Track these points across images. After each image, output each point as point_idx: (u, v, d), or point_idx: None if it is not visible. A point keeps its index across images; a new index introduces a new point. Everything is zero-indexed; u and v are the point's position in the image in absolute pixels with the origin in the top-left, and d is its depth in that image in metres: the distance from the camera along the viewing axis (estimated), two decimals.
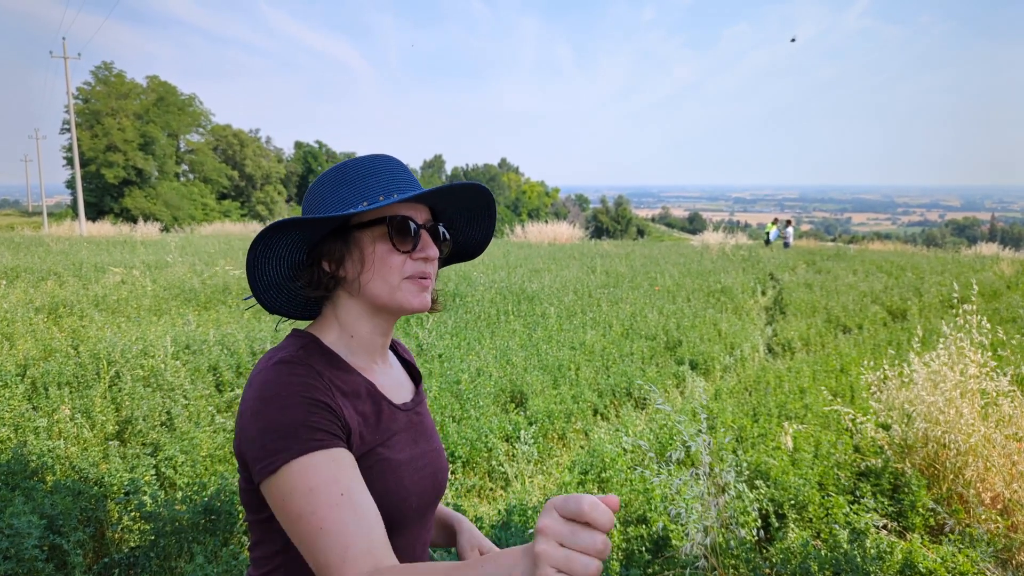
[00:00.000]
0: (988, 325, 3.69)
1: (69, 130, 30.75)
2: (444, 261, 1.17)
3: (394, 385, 1.08)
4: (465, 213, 1.11)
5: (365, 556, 0.77)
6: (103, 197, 42.25)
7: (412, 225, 0.98)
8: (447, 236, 1.06)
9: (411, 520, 0.99)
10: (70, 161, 37.68)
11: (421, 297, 1.00)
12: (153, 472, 3.42)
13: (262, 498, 0.90)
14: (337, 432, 0.88)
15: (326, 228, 0.98)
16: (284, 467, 0.82)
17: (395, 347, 1.20)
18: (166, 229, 29.20)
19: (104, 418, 4.18)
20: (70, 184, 37.95)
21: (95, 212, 39.79)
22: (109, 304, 7.92)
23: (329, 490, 0.81)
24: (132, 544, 2.93)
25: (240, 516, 2.97)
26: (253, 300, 1.07)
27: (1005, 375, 3.48)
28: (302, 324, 1.09)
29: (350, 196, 0.98)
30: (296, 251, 1.00)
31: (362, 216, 0.98)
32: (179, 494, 3.10)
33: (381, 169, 1.01)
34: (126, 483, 3.08)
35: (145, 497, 2.94)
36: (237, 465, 0.94)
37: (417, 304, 0.99)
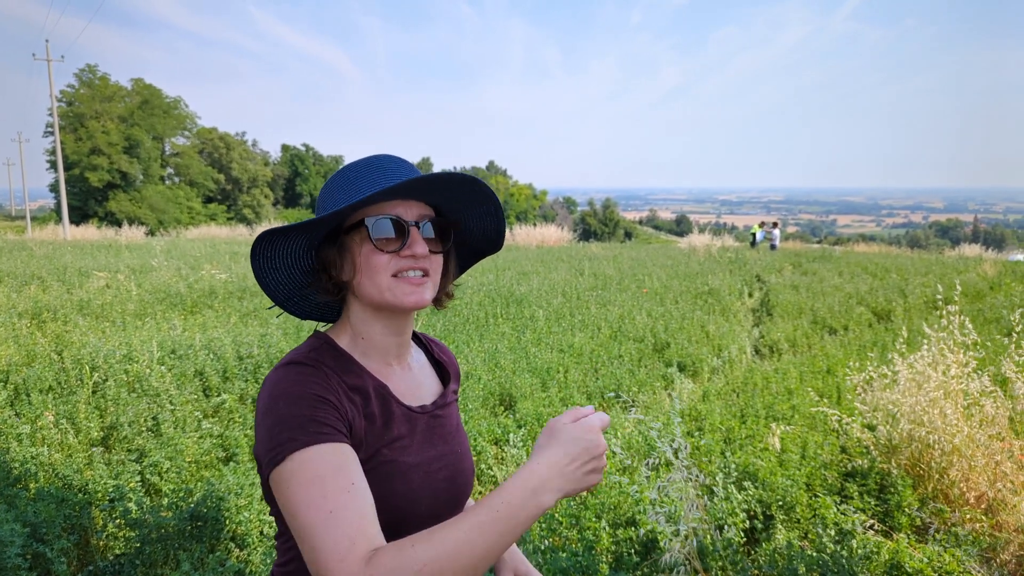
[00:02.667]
0: (971, 326, 3.73)
1: (52, 133, 30.46)
2: (468, 258, 1.16)
3: (411, 387, 1.07)
4: (469, 207, 1.08)
5: (371, 542, 0.78)
6: (87, 201, 41.83)
7: (392, 222, 0.97)
8: (446, 229, 1.03)
9: (425, 523, 0.96)
10: (54, 164, 37.18)
11: (413, 294, 0.98)
12: (138, 478, 3.38)
13: None
14: (342, 429, 0.89)
15: (321, 232, 1.00)
16: (290, 456, 0.83)
17: (430, 347, 1.19)
18: (151, 233, 28.95)
19: (88, 424, 4.13)
20: (54, 188, 37.46)
21: (79, 216, 39.36)
22: (93, 309, 7.83)
23: (338, 478, 0.82)
24: (117, 552, 2.90)
25: (227, 522, 2.95)
26: (278, 308, 1.09)
27: (985, 375, 3.52)
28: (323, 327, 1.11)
29: (343, 200, 0.98)
30: (304, 257, 1.02)
31: (352, 219, 0.98)
32: (165, 501, 3.07)
33: (374, 169, 1.00)
34: (111, 490, 3.04)
35: (130, 504, 2.90)
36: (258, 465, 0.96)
37: (409, 302, 0.98)
